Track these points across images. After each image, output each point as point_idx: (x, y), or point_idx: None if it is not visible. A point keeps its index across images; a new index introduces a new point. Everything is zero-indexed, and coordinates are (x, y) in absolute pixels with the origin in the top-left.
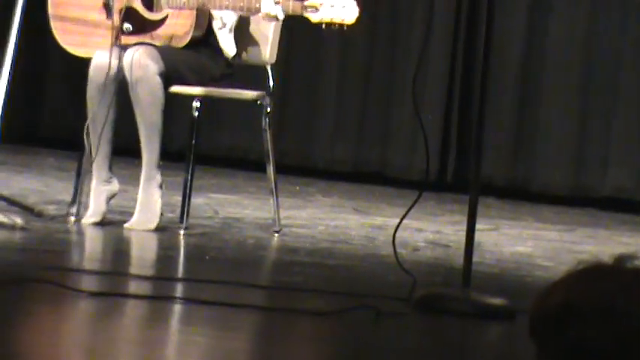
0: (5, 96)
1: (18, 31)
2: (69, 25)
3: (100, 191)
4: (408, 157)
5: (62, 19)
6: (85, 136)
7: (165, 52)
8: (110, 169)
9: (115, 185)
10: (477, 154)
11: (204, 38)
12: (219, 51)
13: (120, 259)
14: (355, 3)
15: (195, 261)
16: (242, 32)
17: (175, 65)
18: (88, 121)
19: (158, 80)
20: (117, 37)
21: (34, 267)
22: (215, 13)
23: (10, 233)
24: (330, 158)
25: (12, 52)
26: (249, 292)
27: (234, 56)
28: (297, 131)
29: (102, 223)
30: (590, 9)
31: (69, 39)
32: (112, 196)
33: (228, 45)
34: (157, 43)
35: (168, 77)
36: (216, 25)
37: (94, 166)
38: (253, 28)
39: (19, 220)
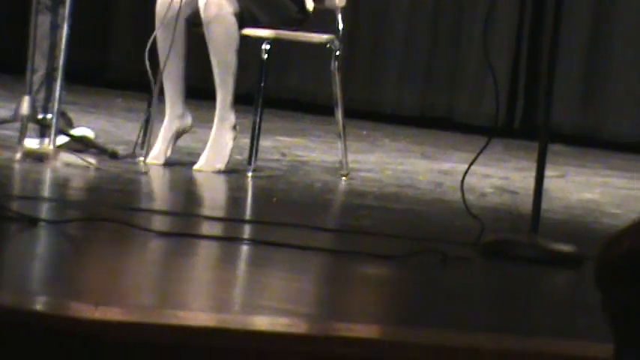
0: (68, 33)
1: None
2: None
3: (170, 129)
4: (476, 103)
5: None
6: (150, 74)
7: None
8: (183, 104)
9: (187, 120)
10: (546, 101)
11: None
12: (296, 1)
13: (188, 200)
14: None
15: (263, 203)
16: None
17: (249, 5)
18: (160, 59)
19: (233, 20)
20: None
21: (103, 206)
22: None
23: (82, 172)
24: (397, 103)
25: None
26: (316, 235)
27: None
28: (364, 76)
29: (166, 164)
30: None
31: None
32: (182, 132)
33: None
34: None
35: (242, 17)
36: None
37: (167, 102)
38: None
39: (93, 161)
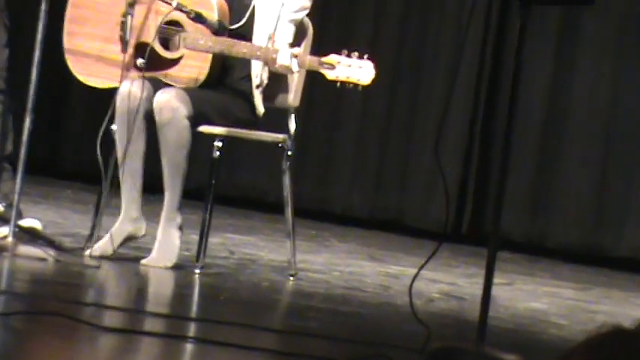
0: (30, 127)
1: (39, 62)
2: (83, 57)
3: (121, 230)
4: (425, 206)
5: (76, 52)
6: (101, 163)
7: (195, 95)
8: (139, 207)
9: (141, 227)
10: (496, 211)
11: (233, 84)
12: (249, 102)
13: (135, 295)
14: (372, 65)
15: (210, 301)
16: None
17: (203, 108)
18: (117, 151)
19: (186, 123)
20: (128, 70)
21: (49, 299)
22: (253, 71)
23: (36, 264)
24: (347, 204)
25: (35, 82)
26: (262, 335)
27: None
28: (315, 175)
29: (111, 258)
30: (614, 68)
31: (82, 69)
32: (132, 238)
33: (258, 103)
34: (170, 82)
35: (196, 120)
36: (254, 82)
37: (123, 202)
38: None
39: (52, 253)
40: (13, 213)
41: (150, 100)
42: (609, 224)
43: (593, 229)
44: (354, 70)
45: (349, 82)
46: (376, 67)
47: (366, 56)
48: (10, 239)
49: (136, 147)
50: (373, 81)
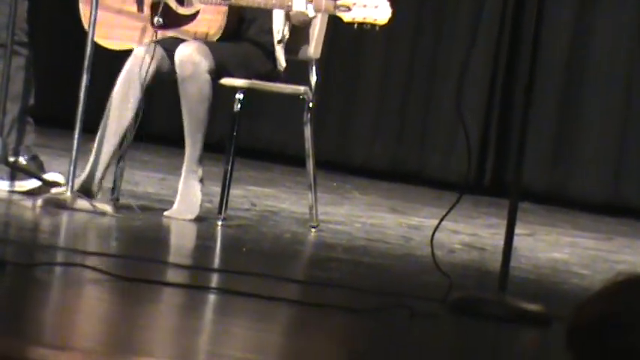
0: (86, 85)
1: (94, 22)
2: (100, 19)
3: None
4: (446, 158)
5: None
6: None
7: (216, 49)
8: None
9: (106, 207)
10: (518, 161)
11: (254, 37)
12: (270, 55)
13: (157, 246)
14: (388, 4)
15: (232, 252)
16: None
17: (224, 61)
18: (110, 115)
19: (207, 77)
20: (146, 30)
21: (72, 250)
22: (275, 26)
23: (47, 216)
24: (368, 156)
25: (91, 41)
26: (284, 286)
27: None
28: (336, 127)
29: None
30: (635, 18)
31: (100, 32)
32: (91, 208)
33: (280, 57)
34: (188, 38)
35: (218, 73)
36: (276, 38)
37: (101, 160)
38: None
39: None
40: (71, 168)
41: (162, 61)
42: (630, 174)
43: (615, 179)
44: (370, 10)
45: (366, 23)
46: (392, 6)
47: None
48: (68, 194)
49: (127, 114)
50: (390, 20)
